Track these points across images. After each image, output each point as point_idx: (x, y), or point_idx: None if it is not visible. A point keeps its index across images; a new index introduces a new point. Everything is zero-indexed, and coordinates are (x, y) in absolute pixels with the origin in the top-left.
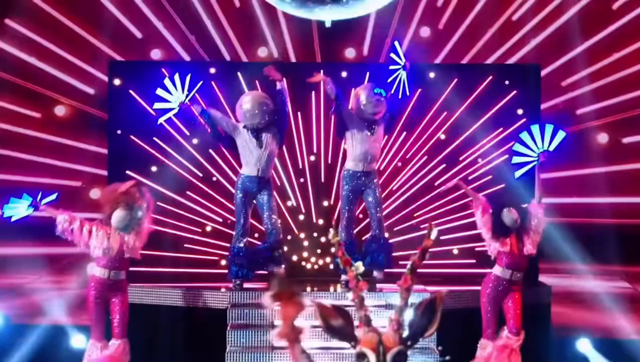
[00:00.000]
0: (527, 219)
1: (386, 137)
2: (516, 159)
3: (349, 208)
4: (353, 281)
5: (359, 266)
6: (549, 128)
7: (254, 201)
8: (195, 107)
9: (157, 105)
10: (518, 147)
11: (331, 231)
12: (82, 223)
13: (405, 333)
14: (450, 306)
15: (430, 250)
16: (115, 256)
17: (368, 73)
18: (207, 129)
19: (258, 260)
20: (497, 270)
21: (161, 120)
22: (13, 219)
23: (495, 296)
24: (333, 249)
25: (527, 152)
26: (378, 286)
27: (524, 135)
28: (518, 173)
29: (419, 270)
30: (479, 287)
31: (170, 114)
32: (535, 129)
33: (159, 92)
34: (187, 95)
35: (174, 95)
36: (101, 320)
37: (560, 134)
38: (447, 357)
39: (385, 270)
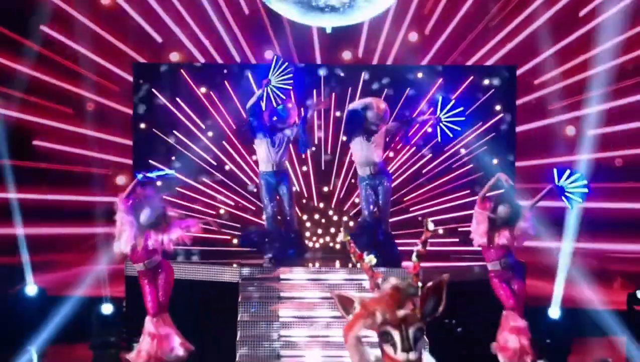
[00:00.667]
0: (517, 218)
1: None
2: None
3: (367, 206)
4: (369, 272)
5: (372, 259)
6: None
7: (276, 191)
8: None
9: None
10: None
11: (342, 232)
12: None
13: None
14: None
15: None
16: (142, 250)
17: (363, 73)
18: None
19: (280, 245)
20: (488, 266)
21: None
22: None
23: (500, 282)
24: (338, 236)
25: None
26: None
27: None
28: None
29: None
30: (463, 263)
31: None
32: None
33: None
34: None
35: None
36: (153, 298)
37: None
38: (459, 329)
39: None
